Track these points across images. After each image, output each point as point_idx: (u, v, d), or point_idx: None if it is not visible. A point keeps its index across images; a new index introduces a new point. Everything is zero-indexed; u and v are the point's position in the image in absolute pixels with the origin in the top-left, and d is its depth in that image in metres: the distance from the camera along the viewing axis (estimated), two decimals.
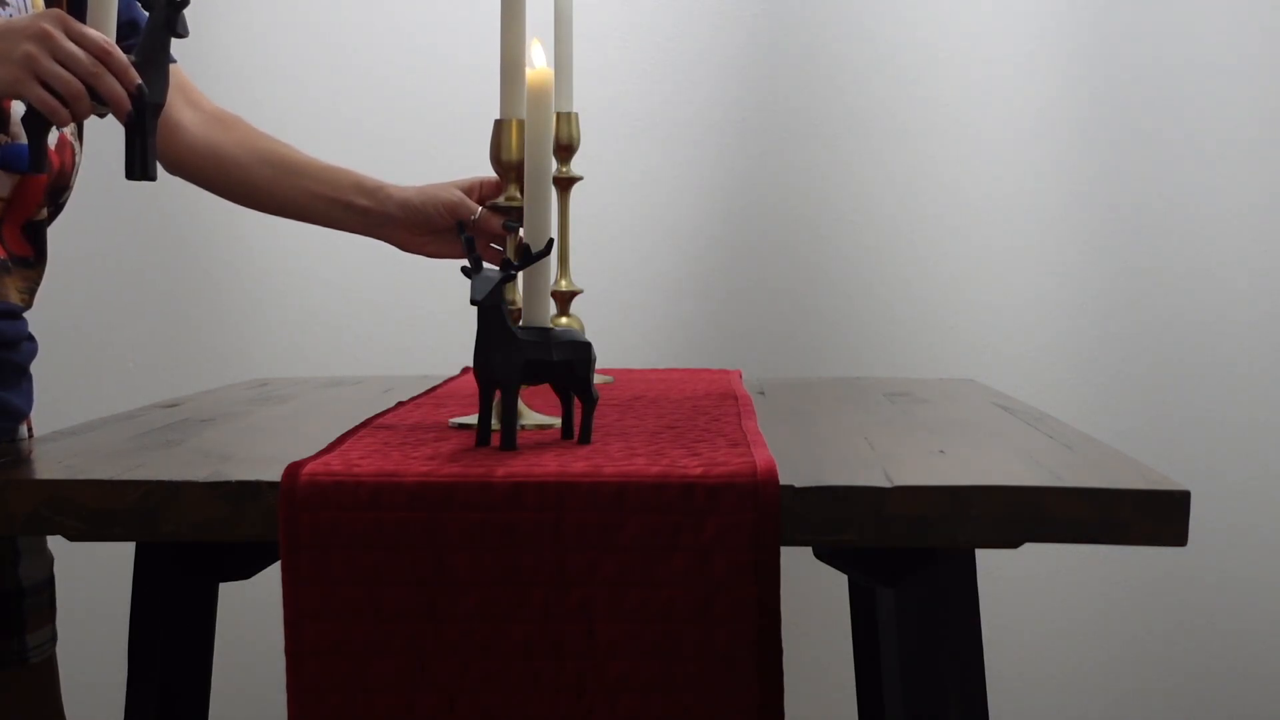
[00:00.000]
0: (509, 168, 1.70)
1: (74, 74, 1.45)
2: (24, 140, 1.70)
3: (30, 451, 1.58)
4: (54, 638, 1.89)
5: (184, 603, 1.60)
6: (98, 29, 1.52)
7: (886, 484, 1.35)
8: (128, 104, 1.49)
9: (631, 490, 1.35)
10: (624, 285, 3.14)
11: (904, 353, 3.16)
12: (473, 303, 1.46)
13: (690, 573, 1.35)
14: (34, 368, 1.88)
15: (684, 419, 1.73)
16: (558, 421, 1.66)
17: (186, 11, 1.58)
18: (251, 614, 3.03)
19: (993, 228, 3.16)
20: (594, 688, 1.36)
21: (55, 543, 1.91)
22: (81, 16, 1.63)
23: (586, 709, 1.36)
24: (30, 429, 1.89)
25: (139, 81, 1.50)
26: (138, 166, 1.53)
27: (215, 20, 3.06)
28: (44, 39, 1.44)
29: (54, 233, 1.87)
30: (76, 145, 1.82)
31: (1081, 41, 3.15)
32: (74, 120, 1.49)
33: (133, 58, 1.52)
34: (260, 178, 1.99)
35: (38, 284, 1.83)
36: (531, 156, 1.58)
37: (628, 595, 1.35)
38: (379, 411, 1.83)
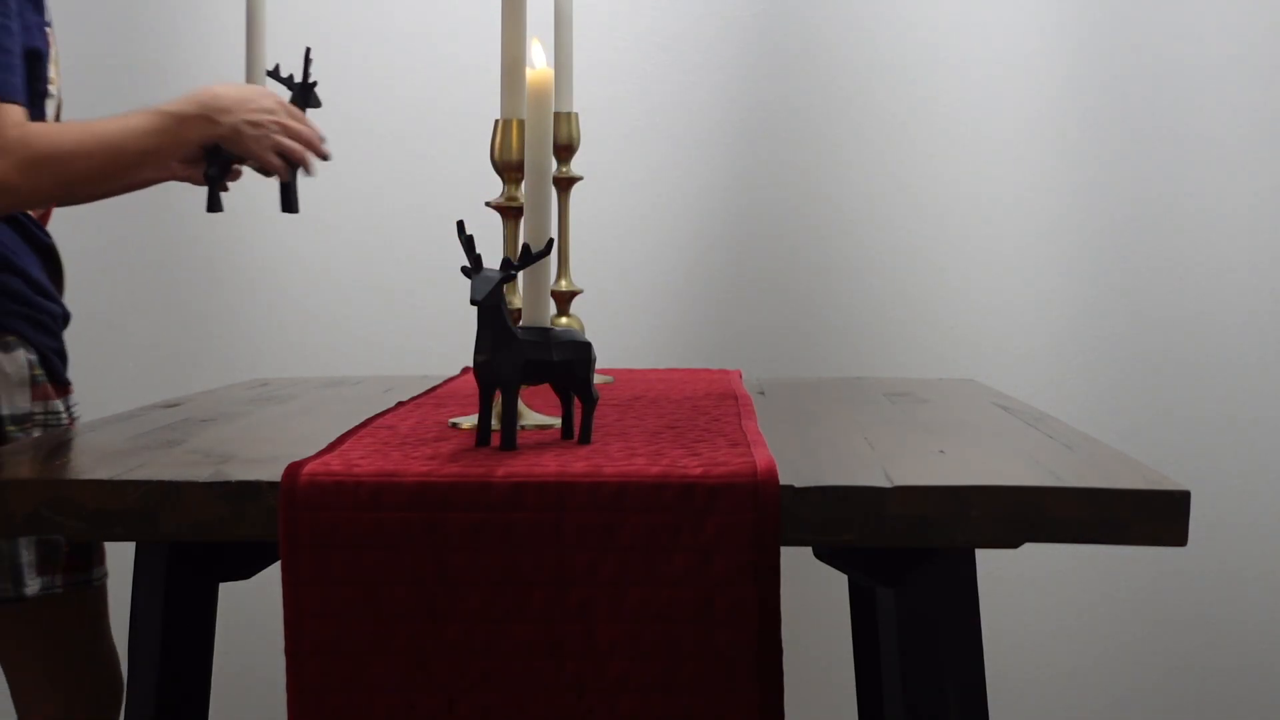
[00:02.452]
0: (509, 168, 1.70)
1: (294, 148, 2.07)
2: None
3: (30, 451, 1.58)
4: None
5: (184, 603, 1.60)
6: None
7: (886, 484, 1.35)
8: (313, 167, 2.09)
9: (631, 490, 1.35)
10: (624, 285, 3.14)
11: (904, 353, 3.16)
12: (473, 303, 1.46)
13: (690, 573, 1.35)
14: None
15: (684, 419, 1.73)
16: (558, 421, 1.66)
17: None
18: (251, 614, 3.03)
19: (993, 228, 3.16)
20: (594, 688, 1.36)
21: None
22: None
23: (586, 709, 1.36)
24: None
25: (323, 149, 2.09)
26: (291, 204, 2.09)
27: (215, 21, 3.06)
28: (285, 131, 2.04)
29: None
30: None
31: (1082, 41, 3.15)
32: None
33: None
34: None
35: None
36: (531, 156, 1.58)
37: (628, 595, 1.35)
38: (379, 411, 1.83)
